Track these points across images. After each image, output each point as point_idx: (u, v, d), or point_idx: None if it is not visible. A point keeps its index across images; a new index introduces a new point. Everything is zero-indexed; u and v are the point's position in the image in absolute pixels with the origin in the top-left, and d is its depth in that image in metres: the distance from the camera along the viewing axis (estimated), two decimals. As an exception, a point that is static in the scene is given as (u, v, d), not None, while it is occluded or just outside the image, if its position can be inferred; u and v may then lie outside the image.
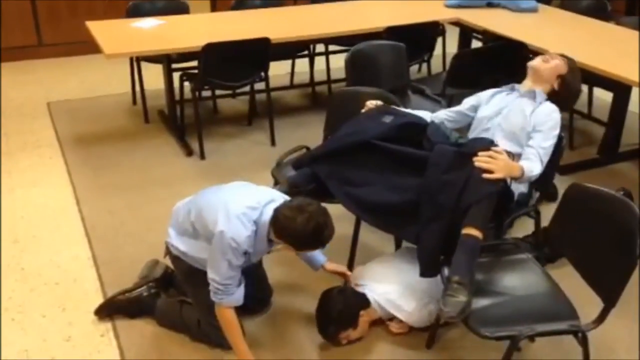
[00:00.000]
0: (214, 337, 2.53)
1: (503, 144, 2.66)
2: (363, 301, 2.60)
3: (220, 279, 2.33)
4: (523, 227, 3.18)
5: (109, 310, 2.72)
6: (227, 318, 2.41)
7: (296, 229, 2.24)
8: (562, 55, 2.89)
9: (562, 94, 2.82)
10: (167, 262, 2.73)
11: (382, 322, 2.67)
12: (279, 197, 2.43)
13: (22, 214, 3.51)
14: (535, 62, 2.86)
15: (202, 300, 2.45)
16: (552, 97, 2.80)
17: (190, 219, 2.45)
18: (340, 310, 2.55)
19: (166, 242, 2.59)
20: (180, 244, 2.51)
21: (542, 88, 2.81)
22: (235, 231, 2.28)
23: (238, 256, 2.31)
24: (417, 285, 2.57)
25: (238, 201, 2.36)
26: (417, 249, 2.50)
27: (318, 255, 2.69)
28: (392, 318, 2.64)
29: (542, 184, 2.79)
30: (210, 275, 2.35)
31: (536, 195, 2.82)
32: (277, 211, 2.30)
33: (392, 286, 2.62)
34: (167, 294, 2.78)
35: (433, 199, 2.44)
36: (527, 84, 2.85)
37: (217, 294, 2.35)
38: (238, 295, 2.38)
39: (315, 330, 2.61)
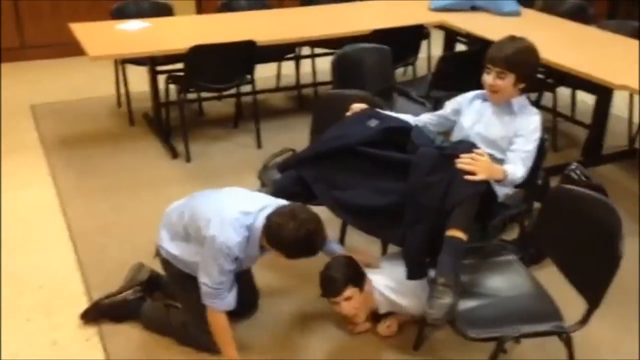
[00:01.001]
0: (201, 340, 2.52)
1: (484, 149, 2.68)
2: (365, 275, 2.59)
3: (212, 283, 2.32)
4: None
5: (95, 314, 2.70)
6: (219, 322, 2.40)
7: (287, 237, 2.23)
8: (508, 39, 2.69)
9: (533, 84, 2.79)
10: (154, 264, 2.72)
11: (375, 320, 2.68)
12: (274, 203, 2.40)
13: (5, 217, 3.48)
14: (488, 81, 2.68)
15: (192, 304, 2.44)
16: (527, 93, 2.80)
17: (183, 222, 2.45)
18: (349, 264, 2.51)
19: (156, 244, 2.57)
20: (172, 247, 2.50)
21: (513, 96, 2.72)
22: (227, 236, 2.27)
23: (229, 261, 2.30)
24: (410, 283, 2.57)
25: (231, 206, 2.35)
26: (402, 251, 2.51)
27: (334, 245, 2.66)
28: (384, 316, 2.63)
29: (527, 186, 2.81)
30: (202, 279, 2.35)
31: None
32: (268, 218, 2.29)
33: (389, 279, 2.62)
34: (153, 298, 2.77)
35: (417, 201, 2.46)
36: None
37: (209, 298, 2.35)
38: (229, 299, 2.38)
39: (305, 332, 2.61)
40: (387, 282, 2.60)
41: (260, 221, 2.31)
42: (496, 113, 2.75)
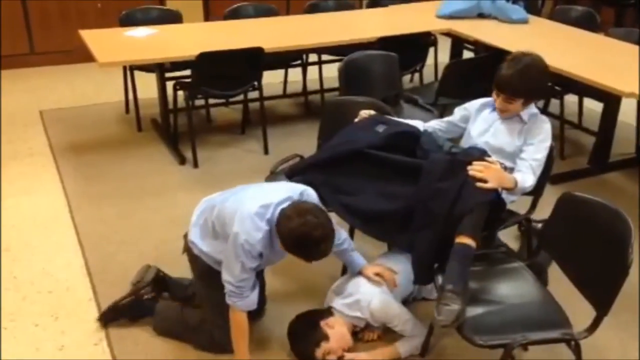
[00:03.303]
0: (217, 336, 2.53)
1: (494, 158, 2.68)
2: (321, 313, 2.60)
3: (234, 281, 2.32)
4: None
5: (112, 316, 2.73)
6: (239, 322, 2.41)
7: (284, 230, 2.23)
8: (520, 55, 2.67)
9: (542, 95, 2.78)
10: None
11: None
12: (297, 193, 2.38)
13: (13, 222, 3.49)
14: (497, 104, 2.71)
15: (215, 301, 2.44)
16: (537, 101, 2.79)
17: (212, 218, 2.45)
18: (298, 327, 2.55)
19: (187, 240, 2.56)
20: (203, 245, 2.50)
21: (522, 109, 2.71)
22: (248, 233, 2.26)
23: (251, 258, 2.29)
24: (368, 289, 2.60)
25: (253, 201, 2.32)
26: (411, 257, 2.51)
27: (358, 258, 2.66)
28: (366, 326, 2.64)
29: (534, 193, 2.81)
30: (225, 277, 2.35)
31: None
32: (283, 209, 2.28)
33: (346, 296, 2.63)
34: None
35: (426, 207, 2.46)
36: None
37: (232, 296, 2.35)
38: (252, 298, 2.38)
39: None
40: (344, 299, 2.62)
41: (277, 213, 2.29)
42: (505, 123, 2.75)
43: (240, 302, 2.36)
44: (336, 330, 2.54)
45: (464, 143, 2.85)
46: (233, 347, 2.45)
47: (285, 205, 2.30)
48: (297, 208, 2.25)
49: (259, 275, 2.65)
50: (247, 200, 2.34)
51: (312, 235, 2.20)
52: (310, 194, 2.44)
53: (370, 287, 2.61)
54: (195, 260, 2.55)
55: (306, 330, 2.54)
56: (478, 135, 2.79)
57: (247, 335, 2.44)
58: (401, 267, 2.68)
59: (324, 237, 2.23)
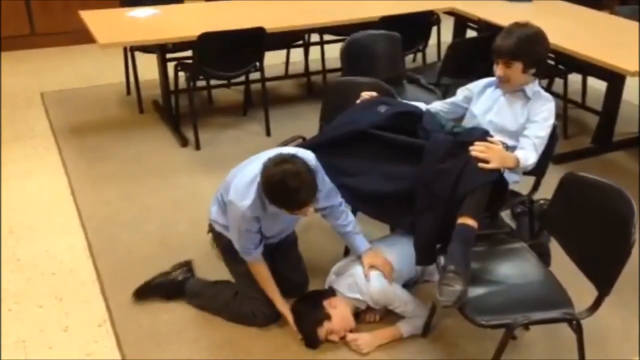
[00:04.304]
0: (247, 305, 2.61)
1: (496, 137, 2.67)
2: (324, 293, 2.63)
3: (239, 245, 2.51)
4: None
5: (146, 292, 2.78)
6: (259, 272, 2.57)
7: (263, 182, 2.29)
8: (515, 24, 2.69)
9: (544, 69, 2.78)
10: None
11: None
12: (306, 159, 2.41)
13: (16, 204, 3.50)
14: (498, 72, 2.71)
15: (242, 273, 2.63)
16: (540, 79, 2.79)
17: (221, 191, 2.59)
18: (301, 307, 2.58)
19: (209, 220, 2.70)
20: (222, 220, 2.62)
21: (525, 82, 2.72)
22: (240, 200, 2.37)
23: (247, 223, 2.40)
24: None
25: (249, 169, 2.44)
26: (413, 238, 2.51)
27: (361, 241, 2.66)
28: (368, 308, 2.64)
29: (537, 173, 2.80)
30: (232, 240, 2.54)
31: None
32: (264, 163, 2.34)
33: (348, 275, 2.64)
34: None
35: (428, 188, 2.45)
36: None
37: (242, 254, 2.53)
38: (257, 253, 2.53)
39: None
40: (346, 279, 2.62)
41: None
42: (509, 100, 2.74)
43: (249, 257, 2.53)
44: (338, 311, 2.55)
45: (467, 124, 2.83)
46: (269, 297, 2.58)
47: None
48: (275, 158, 2.31)
49: (291, 249, 2.80)
50: (245, 168, 2.47)
51: (288, 182, 2.24)
52: (306, 156, 2.45)
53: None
54: (219, 237, 2.70)
55: (309, 309, 2.56)
56: (482, 114, 2.78)
57: (273, 282, 2.58)
58: (401, 250, 2.68)
59: (302, 185, 2.25)
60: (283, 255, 2.74)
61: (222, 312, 2.68)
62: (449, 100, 2.96)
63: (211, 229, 2.76)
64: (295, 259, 2.81)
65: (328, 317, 2.52)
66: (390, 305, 2.59)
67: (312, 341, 2.54)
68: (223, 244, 2.69)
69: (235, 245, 2.54)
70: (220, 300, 2.68)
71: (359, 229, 2.68)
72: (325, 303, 2.55)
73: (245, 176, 2.42)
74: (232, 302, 2.65)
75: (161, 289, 2.78)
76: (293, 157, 2.31)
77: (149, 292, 2.77)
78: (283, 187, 2.24)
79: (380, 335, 2.58)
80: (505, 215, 3.22)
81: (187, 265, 2.86)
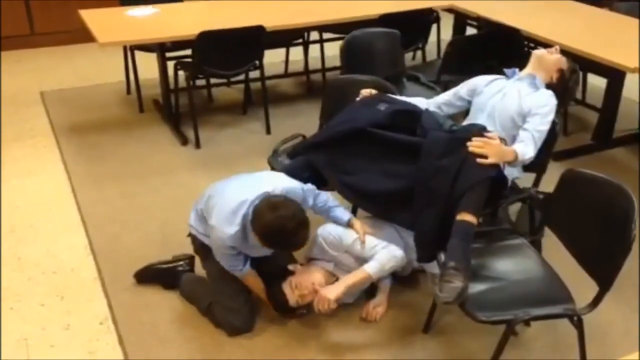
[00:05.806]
0: (219, 315, 2.60)
1: (496, 126, 2.68)
2: (288, 257, 2.70)
3: (224, 264, 2.51)
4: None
5: (147, 276, 2.84)
6: (250, 283, 2.61)
7: (259, 227, 2.31)
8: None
9: (558, 89, 2.82)
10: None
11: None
12: (279, 188, 2.44)
13: (17, 203, 3.51)
14: (540, 51, 2.91)
15: (212, 274, 2.64)
16: (548, 89, 2.82)
17: (201, 206, 2.57)
18: (269, 278, 2.62)
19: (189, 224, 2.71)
20: (198, 226, 2.62)
21: (542, 76, 2.82)
22: (221, 228, 2.37)
23: (227, 249, 2.42)
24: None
25: (233, 195, 2.42)
26: (413, 235, 2.51)
27: (342, 213, 2.66)
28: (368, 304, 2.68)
29: (537, 169, 2.81)
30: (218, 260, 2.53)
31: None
32: (255, 205, 2.35)
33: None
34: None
35: (427, 185, 2.46)
36: (527, 69, 2.88)
37: (231, 272, 2.54)
38: (245, 270, 2.53)
39: (314, 320, 2.64)
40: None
41: (251, 211, 2.37)
42: (517, 87, 2.78)
43: (239, 274, 2.54)
44: (303, 267, 2.62)
45: (472, 112, 2.84)
46: (245, 327, 2.59)
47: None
48: (268, 203, 2.32)
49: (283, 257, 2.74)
50: (229, 194, 2.45)
51: (287, 227, 2.28)
52: (293, 192, 2.47)
53: (329, 226, 2.65)
54: (194, 239, 2.68)
55: (274, 276, 2.61)
56: (488, 98, 2.82)
57: (261, 284, 2.61)
58: (389, 234, 2.68)
59: (299, 227, 2.31)
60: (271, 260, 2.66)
61: (206, 315, 2.68)
62: (451, 91, 2.97)
63: (190, 233, 2.72)
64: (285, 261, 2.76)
65: (291, 273, 2.59)
66: (353, 252, 2.60)
67: (280, 303, 2.59)
68: (196, 245, 2.69)
69: (222, 264, 2.52)
70: (203, 304, 2.68)
71: (336, 202, 2.69)
72: (290, 266, 2.62)
73: (228, 203, 2.40)
74: (207, 310, 2.65)
75: (160, 275, 2.82)
76: (285, 201, 2.35)
77: (148, 275, 2.83)
78: (282, 233, 2.29)
79: (349, 278, 2.54)
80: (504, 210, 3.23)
81: (189, 259, 2.87)
